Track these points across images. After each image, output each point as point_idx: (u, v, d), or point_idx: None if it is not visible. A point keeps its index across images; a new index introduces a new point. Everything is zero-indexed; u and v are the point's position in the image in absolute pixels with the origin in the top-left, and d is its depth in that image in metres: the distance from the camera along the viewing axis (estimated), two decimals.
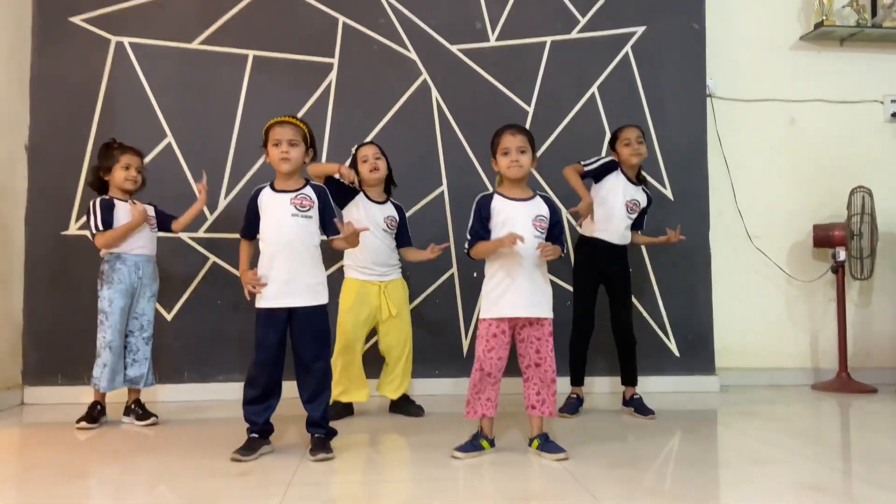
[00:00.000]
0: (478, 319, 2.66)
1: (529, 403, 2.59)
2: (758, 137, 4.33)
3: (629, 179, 3.33)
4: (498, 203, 2.57)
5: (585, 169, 3.30)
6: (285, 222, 2.53)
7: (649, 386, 3.73)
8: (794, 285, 4.31)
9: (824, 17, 4.25)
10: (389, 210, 3.30)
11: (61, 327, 3.67)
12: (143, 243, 3.15)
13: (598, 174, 3.32)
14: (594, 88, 4.08)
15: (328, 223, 2.61)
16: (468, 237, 2.60)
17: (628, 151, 3.28)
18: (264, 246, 2.56)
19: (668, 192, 4.07)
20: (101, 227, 3.07)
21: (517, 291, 2.52)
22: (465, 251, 2.61)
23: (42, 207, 3.74)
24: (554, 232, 2.60)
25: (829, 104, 4.37)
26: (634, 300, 3.91)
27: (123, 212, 3.12)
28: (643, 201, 3.37)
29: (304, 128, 2.61)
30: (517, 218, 2.53)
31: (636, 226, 3.43)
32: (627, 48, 4.11)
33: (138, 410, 3.17)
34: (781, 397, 3.83)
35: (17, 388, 3.63)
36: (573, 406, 3.31)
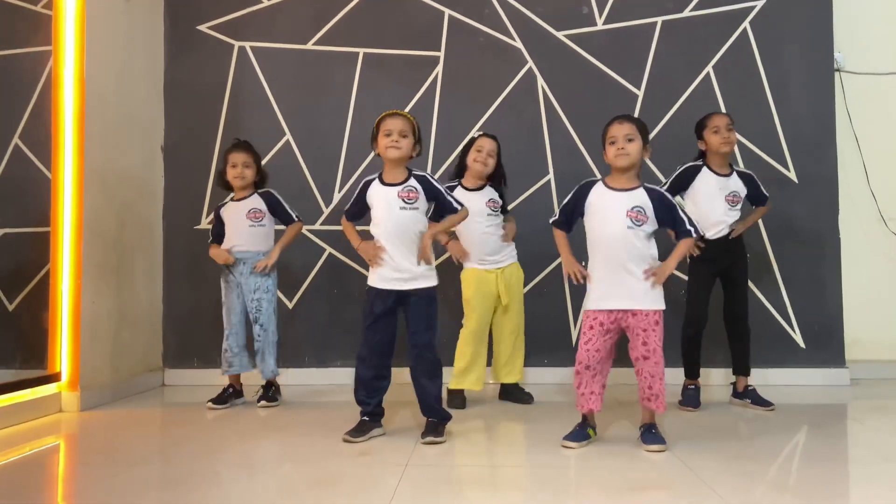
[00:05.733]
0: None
1: (641, 396, 2.56)
2: (892, 113, 4.02)
3: (720, 174, 3.16)
4: (595, 193, 2.58)
5: (666, 189, 3.13)
6: (394, 215, 2.63)
7: (771, 378, 3.58)
8: None
9: None
10: (489, 193, 3.32)
11: (196, 314, 3.97)
12: (242, 241, 3.33)
13: (682, 184, 3.20)
14: (709, 68, 3.92)
15: (445, 204, 2.69)
16: (556, 211, 2.69)
17: (718, 140, 3.11)
18: (375, 231, 2.67)
19: (793, 175, 3.85)
20: (211, 238, 3.42)
21: (616, 283, 2.51)
22: (551, 221, 2.67)
23: (177, 203, 4.06)
24: (666, 220, 2.54)
25: None
26: (755, 288, 3.75)
27: (229, 213, 3.36)
28: (743, 190, 3.20)
29: (414, 122, 2.70)
30: (608, 209, 2.52)
31: (757, 202, 3.28)
32: (745, 24, 3.92)
33: (261, 390, 3.38)
34: None
35: (158, 371, 3.96)
36: (694, 399, 3.19)
